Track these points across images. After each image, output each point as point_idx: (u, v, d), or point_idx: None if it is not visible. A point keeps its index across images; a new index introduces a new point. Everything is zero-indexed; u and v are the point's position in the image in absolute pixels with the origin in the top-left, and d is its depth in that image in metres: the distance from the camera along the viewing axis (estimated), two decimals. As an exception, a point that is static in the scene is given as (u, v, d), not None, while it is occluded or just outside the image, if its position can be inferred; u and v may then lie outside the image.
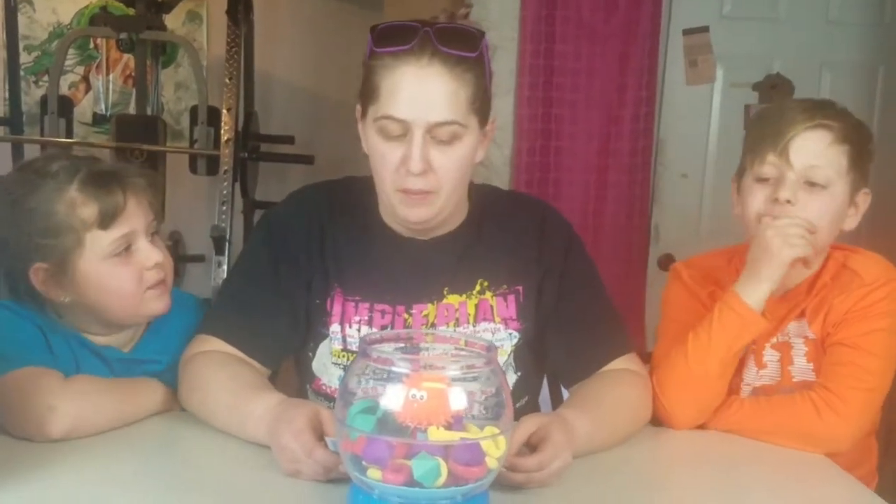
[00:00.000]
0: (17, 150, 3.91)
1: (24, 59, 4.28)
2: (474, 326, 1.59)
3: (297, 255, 1.61)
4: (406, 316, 1.58)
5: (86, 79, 4.42)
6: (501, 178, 2.91)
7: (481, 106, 1.49)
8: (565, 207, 2.76)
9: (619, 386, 1.57)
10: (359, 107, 1.53)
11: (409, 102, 1.43)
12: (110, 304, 1.54)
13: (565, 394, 1.72)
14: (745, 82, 3.20)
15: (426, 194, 1.49)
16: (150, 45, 3.82)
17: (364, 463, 1.10)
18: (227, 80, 3.69)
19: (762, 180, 1.64)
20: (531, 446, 1.31)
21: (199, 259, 3.85)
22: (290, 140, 4.13)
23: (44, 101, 3.69)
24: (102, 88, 4.43)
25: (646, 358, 1.73)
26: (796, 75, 3.19)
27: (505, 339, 1.60)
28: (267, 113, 4.34)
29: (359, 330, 1.57)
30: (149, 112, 3.86)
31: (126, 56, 4.23)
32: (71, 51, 4.15)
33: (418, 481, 1.08)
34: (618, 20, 2.94)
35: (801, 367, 1.67)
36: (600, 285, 1.69)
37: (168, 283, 1.61)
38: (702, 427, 1.65)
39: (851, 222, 1.68)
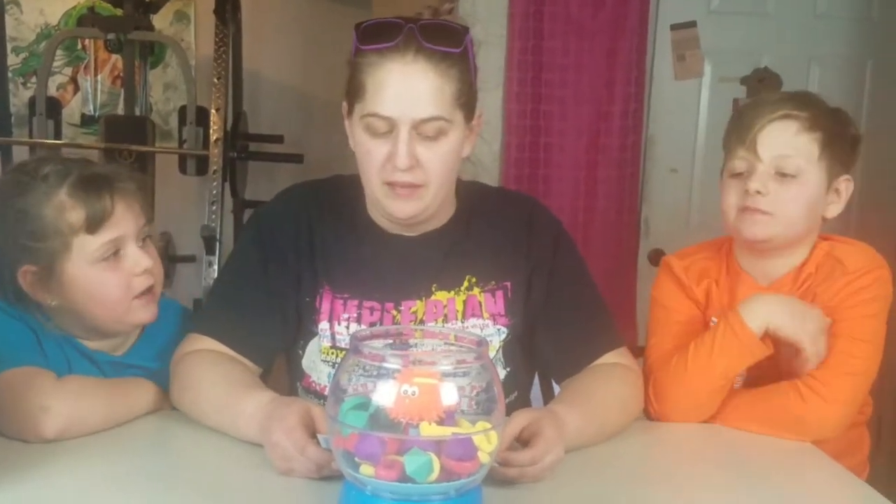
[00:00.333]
0: (6, 151, 3.90)
1: (12, 60, 4.27)
2: (463, 322, 1.59)
3: (287, 254, 1.61)
4: (395, 313, 1.59)
5: (74, 80, 4.41)
6: (490, 175, 2.91)
7: (467, 101, 1.50)
8: (555, 203, 2.78)
9: (609, 380, 1.57)
10: (345, 104, 1.54)
11: (394, 99, 1.44)
12: (96, 310, 1.54)
13: (557, 389, 1.72)
14: (734, 77, 3.20)
15: (414, 188, 1.49)
16: (138, 45, 3.81)
17: (356, 459, 1.10)
18: (216, 80, 3.68)
19: (736, 175, 1.66)
20: (523, 441, 1.32)
21: (190, 259, 3.84)
22: (279, 139, 4.13)
23: (32, 103, 3.68)
24: (91, 89, 4.43)
25: (637, 352, 1.74)
26: (784, 70, 3.19)
27: (493, 334, 1.60)
28: (256, 112, 4.34)
29: (347, 327, 1.58)
30: (137, 112, 3.85)
31: (114, 57, 4.22)
32: (59, 52, 4.14)
33: (411, 477, 1.08)
34: (605, 16, 2.94)
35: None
36: (589, 280, 1.69)
37: (156, 291, 1.60)
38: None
39: (834, 210, 1.68)
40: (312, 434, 1.28)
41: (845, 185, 1.68)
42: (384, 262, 1.61)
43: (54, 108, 3.72)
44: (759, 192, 1.62)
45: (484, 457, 1.12)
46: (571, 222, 2.86)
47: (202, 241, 3.43)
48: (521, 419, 1.33)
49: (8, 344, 1.48)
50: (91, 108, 4.41)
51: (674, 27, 3.17)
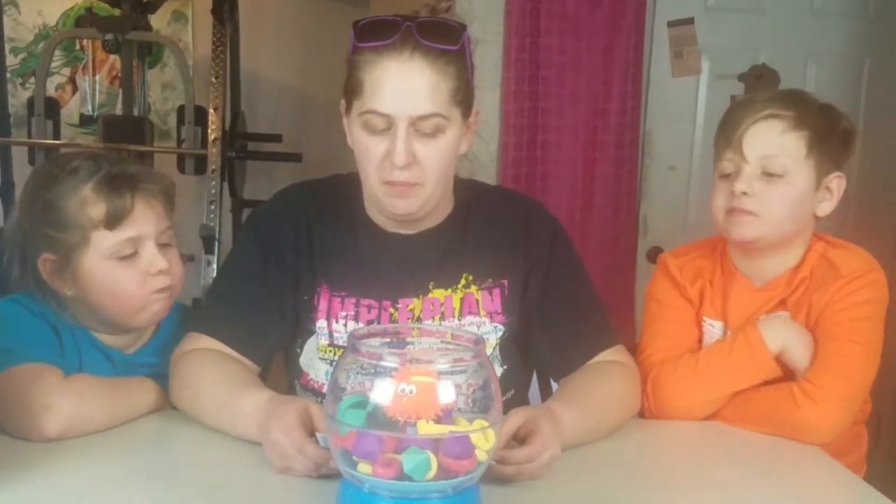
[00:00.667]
0: (4, 151, 3.90)
1: (11, 61, 4.27)
2: (460, 320, 1.60)
3: (285, 253, 1.61)
4: (392, 310, 1.59)
5: (72, 80, 4.41)
6: (488, 173, 2.91)
7: (464, 98, 1.50)
8: (553, 201, 2.78)
9: (606, 378, 1.58)
10: (343, 102, 1.54)
11: (392, 96, 1.44)
12: (109, 304, 1.56)
13: (555, 387, 1.72)
14: (731, 74, 3.20)
15: (411, 186, 1.50)
16: (135, 45, 3.81)
17: (354, 458, 1.11)
18: (214, 80, 3.69)
19: (724, 176, 1.67)
20: (520, 439, 1.32)
21: (189, 258, 3.84)
22: (277, 138, 4.13)
23: (30, 103, 3.69)
24: (89, 89, 4.43)
25: (634, 350, 1.74)
26: (782, 67, 3.19)
27: (490, 332, 1.60)
28: (254, 111, 4.34)
29: (345, 325, 1.58)
30: (136, 112, 3.85)
31: (112, 57, 4.21)
32: (57, 52, 4.14)
33: (409, 475, 1.08)
34: (602, 13, 2.94)
35: None
36: (586, 279, 1.70)
37: (173, 293, 1.61)
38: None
39: (825, 207, 1.68)
40: (311, 432, 1.29)
41: (837, 183, 1.66)
42: (382, 260, 1.62)
43: (53, 108, 3.72)
44: (744, 193, 1.62)
45: (481, 455, 1.13)
46: (569, 220, 2.86)
47: (201, 241, 3.43)
48: (517, 417, 1.34)
49: (23, 339, 1.50)
50: (89, 108, 4.41)
51: (671, 24, 3.17)
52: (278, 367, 1.72)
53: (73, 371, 1.51)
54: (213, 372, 1.50)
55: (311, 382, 1.63)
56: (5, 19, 4.16)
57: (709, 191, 1.72)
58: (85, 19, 3.92)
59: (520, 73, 2.91)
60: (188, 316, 1.72)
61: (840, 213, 1.71)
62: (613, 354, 1.63)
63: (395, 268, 1.60)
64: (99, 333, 1.60)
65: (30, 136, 3.68)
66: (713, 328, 1.74)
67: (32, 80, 4.12)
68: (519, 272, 1.63)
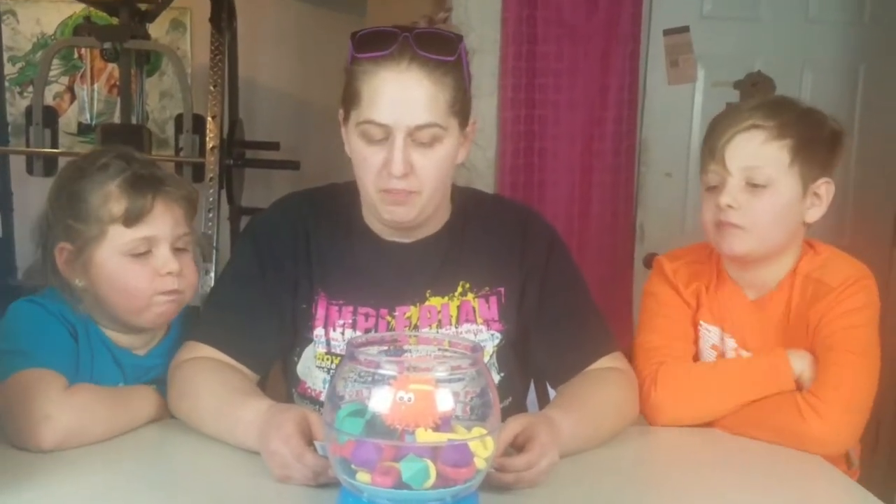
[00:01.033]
0: (3, 160, 3.91)
1: (9, 70, 4.27)
2: (457, 328, 1.60)
3: (283, 261, 1.62)
4: (389, 318, 1.60)
5: (70, 89, 4.42)
6: (485, 181, 2.91)
7: (461, 108, 1.51)
8: (550, 209, 2.79)
9: (604, 385, 1.58)
10: (341, 111, 1.55)
11: (389, 107, 1.45)
12: (115, 299, 1.57)
13: (553, 394, 1.73)
14: (727, 81, 3.21)
15: (408, 194, 1.50)
16: (134, 54, 3.82)
17: (353, 466, 1.11)
18: (212, 88, 3.69)
19: (710, 188, 1.66)
20: (518, 447, 1.32)
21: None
22: (275, 146, 4.14)
23: (29, 112, 3.69)
24: (87, 98, 4.43)
25: (632, 356, 1.74)
26: (777, 74, 3.20)
27: (487, 340, 1.61)
28: (252, 120, 4.35)
29: (343, 333, 1.58)
30: (134, 121, 3.86)
31: (110, 65, 4.23)
32: (55, 61, 4.14)
33: (407, 483, 1.08)
34: (598, 21, 2.94)
35: None
36: (583, 286, 1.70)
37: (182, 298, 1.62)
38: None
39: (814, 214, 1.66)
40: (309, 441, 1.29)
41: (825, 188, 1.65)
42: (379, 268, 1.62)
43: (51, 117, 3.73)
44: (730, 206, 1.61)
45: (480, 463, 1.13)
46: (566, 227, 2.87)
47: (199, 249, 3.43)
48: (515, 425, 1.34)
49: (34, 342, 1.51)
50: (87, 116, 4.42)
51: (667, 32, 3.18)
52: (276, 376, 1.73)
53: (84, 372, 1.54)
54: (211, 381, 1.51)
55: (309, 391, 1.63)
56: (4, 28, 4.16)
57: (705, 197, 1.72)
58: (83, 28, 3.93)
59: (516, 80, 2.92)
60: (189, 318, 1.73)
61: (837, 218, 1.72)
62: (611, 361, 1.63)
63: (393, 276, 1.61)
64: (111, 332, 1.61)
65: (28, 145, 3.68)
66: (709, 333, 1.75)
67: (31, 88, 4.12)
68: (516, 280, 1.64)
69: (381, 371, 1.11)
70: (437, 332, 1.58)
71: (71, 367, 1.52)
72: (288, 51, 4.47)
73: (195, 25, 4.38)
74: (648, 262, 3.15)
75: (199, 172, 3.67)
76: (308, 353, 1.62)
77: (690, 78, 3.20)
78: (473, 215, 1.68)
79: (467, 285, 1.62)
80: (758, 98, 1.71)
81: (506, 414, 1.35)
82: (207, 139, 3.63)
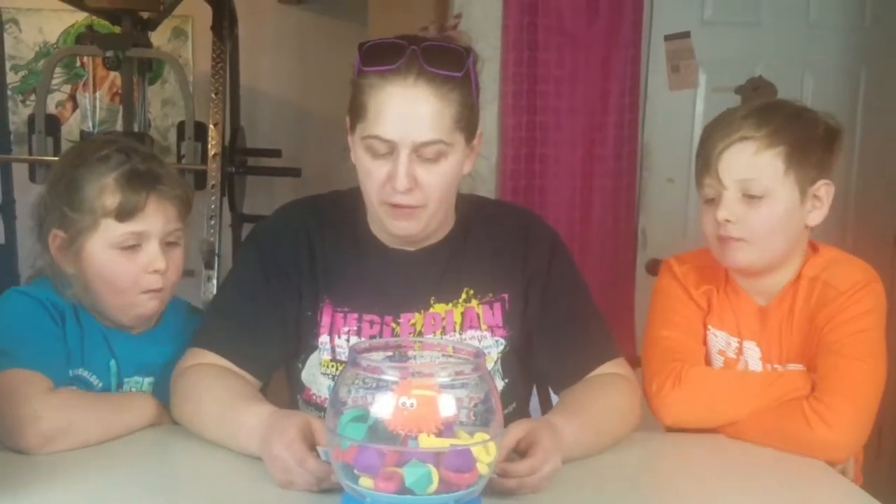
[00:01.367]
0: (5, 168, 3.92)
1: (11, 78, 4.29)
2: (461, 334, 1.60)
3: (287, 268, 1.62)
4: (394, 325, 1.60)
5: (73, 97, 4.43)
6: (487, 187, 2.92)
7: (467, 124, 1.51)
8: (551, 214, 2.78)
9: (607, 390, 1.58)
10: (348, 119, 1.55)
11: (395, 122, 1.45)
12: (103, 292, 1.59)
13: (555, 400, 1.73)
14: (728, 86, 3.20)
15: (413, 209, 1.51)
16: (136, 62, 3.82)
17: (356, 471, 1.11)
18: (214, 96, 3.70)
19: (708, 201, 1.64)
20: (520, 452, 1.32)
21: (188, 274, 3.84)
22: (276, 153, 4.14)
23: (31, 120, 3.69)
24: (89, 106, 4.44)
25: (634, 362, 1.74)
26: (779, 79, 3.19)
27: (491, 346, 1.61)
28: (253, 127, 4.35)
29: (347, 340, 1.58)
30: (136, 128, 3.86)
31: (113, 74, 4.24)
32: (58, 69, 4.15)
33: (410, 489, 1.09)
34: (599, 27, 2.95)
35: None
36: (586, 291, 1.70)
37: (163, 296, 1.63)
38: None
39: (816, 217, 1.64)
40: (312, 446, 1.29)
41: (825, 190, 1.63)
42: (384, 275, 1.62)
43: (53, 125, 3.73)
44: (728, 221, 1.59)
45: (483, 468, 1.13)
46: (568, 233, 2.87)
47: (201, 256, 3.44)
48: (517, 430, 1.34)
49: (21, 339, 1.52)
50: (90, 124, 4.43)
51: (668, 38, 3.18)
52: (277, 382, 1.73)
53: (75, 355, 1.56)
54: (214, 387, 1.51)
55: (314, 397, 1.63)
56: (6, 37, 4.18)
57: (707, 203, 1.71)
58: (85, 37, 3.94)
59: (518, 87, 2.92)
60: (194, 316, 1.74)
61: (839, 222, 1.71)
62: (614, 367, 1.63)
63: (397, 283, 1.61)
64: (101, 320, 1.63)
65: (30, 153, 3.68)
66: (716, 338, 1.74)
67: (33, 97, 4.13)
68: (519, 285, 1.64)
69: (383, 377, 1.12)
70: (442, 339, 1.58)
71: (59, 358, 1.53)
72: (289, 58, 4.48)
73: (197, 33, 4.39)
74: (650, 267, 3.15)
75: (200, 180, 3.67)
76: (313, 360, 1.62)
77: (692, 83, 3.20)
78: (476, 222, 1.68)
79: (471, 292, 1.63)
80: (748, 105, 1.67)
81: (509, 420, 1.36)
82: (209, 147, 3.64)
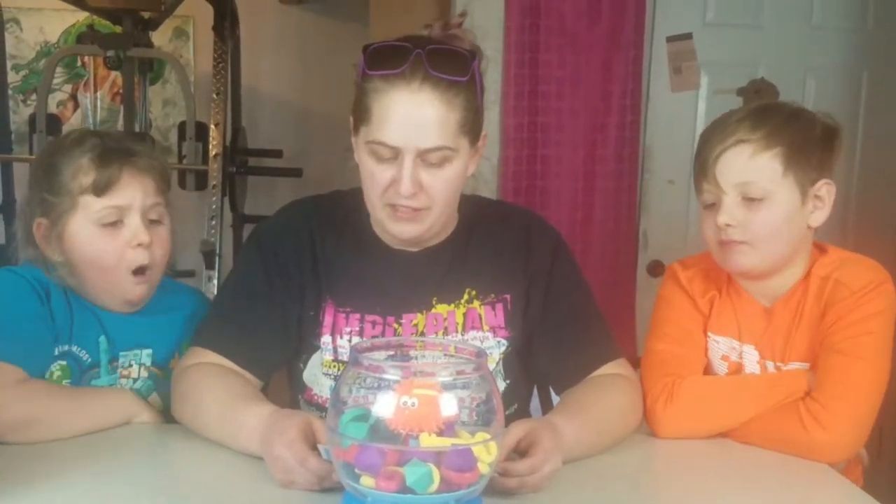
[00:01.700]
0: (6, 168, 3.91)
1: (12, 78, 4.28)
2: (463, 335, 1.60)
3: (289, 268, 1.62)
4: (396, 326, 1.60)
5: (74, 97, 4.43)
6: (489, 188, 2.92)
7: (472, 127, 1.51)
8: (553, 215, 2.79)
9: (608, 391, 1.58)
10: (352, 120, 1.55)
11: (399, 128, 1.45)
12: (90, 273, 1.60)
13: (556, 401, 1.72)
14: (730, 88, 3.20)
15: (417, 211, 1.50)
16: (137, 62, 3.82)
17: (357, 471, 1.11)
18: (215, 96, 3.70)
19: (708, 206, 1.64)
20: (521, 452, 1.32)
21: (189, 274, 3.85)
22: (278, 154, 4.14)
23: (32, 120, 3.69)
24: (90, 106, 4.44)
25: (635, 363, 1.73)
26: (781, 81, 3.19)
27: (493, 347, 1.61)
28: (255, 127, 4.35)
29: (349, 340, 1.58)
30: (137, 128, 3.86)
31: (114, 73, 4.23)
32: (59, 69, 4.15)
33: (411, 488, 1.09)
34: (601, 29, 2.95)
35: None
36: (588, 291, 1.70)
37: (153, 273, 1.64)
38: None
39: (819, 217, 1.63)
40: (313, 446, 1.29)
41: (826, 190, 1.61)
42: (387, 276, 1.62)
43: (54, 124, 3.74)
44: (728, 225, 1.58)
45: (484, 467, 1.13)
46: (570, 234, 2.86)
47: (202, 256, 3.44)
48: (518, 429, 1.34)
49: (1, 328, 1.52)
50: (91, 124, 4.42)
51: (670, 39, 3.18)
52: (278, 383, 1.73)
53: (63, 333, 1.57)
54: (215, 386, 1.51)
55: (315, 398, 1.63)
56: (7, 36, 4.17)
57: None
58: (86, 36, 3.93)
59: (519, 88, 2.92)
60: (182, 286, 1.78)
61: (841, 223, 1.71)
62: (615, 367, 1.63)
63: (400, 284, 1.61)
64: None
65: (31, 153, 3.69)
66: (717, 344, 1.73)
67: (34, 96, 4.13)
68: (521, 286, 1.64)
69: (385, 376, 1.12)
70: (444, 339, 1.58)
71: (39, 343, 1.54)
72: (290, 58, 4.48)
73: (198, 33, 4.39)
74: (652, 269, 3.16)
75: (202, 180, 3.67)
76: (315, 360, 1.62)
77: (693, 85, 3.20)
78: (478, 223, 1.68)
79: (473, 292, 1.62)
80: (743, 108, 1.66)
81: (511, 421, 1.35)
82: (210, 147, 3.64)
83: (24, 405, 1.44)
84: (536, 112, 2.94)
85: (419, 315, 1.60)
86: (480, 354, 1.19)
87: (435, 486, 1.09)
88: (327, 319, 1.60)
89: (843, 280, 1.61)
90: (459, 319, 1.61)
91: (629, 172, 3.06)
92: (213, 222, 3.54)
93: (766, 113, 1.61)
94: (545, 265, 1.65)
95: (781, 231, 1.60)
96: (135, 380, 1.65)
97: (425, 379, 1.11)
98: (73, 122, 4.39)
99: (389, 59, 1.46)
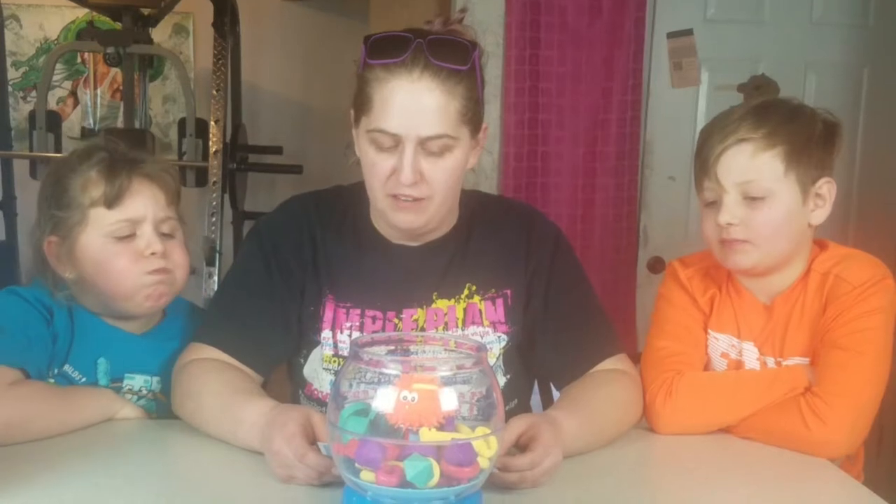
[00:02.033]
0: (6, 165, 3.91)
1: (12, 74, 4.28)
2: (463, 330, 1.60)
3: (290, 263, 1.62)
4: (396, 321, 1.60)
5: (74, 93, 4.42)
6: (490, 183, 2.92)
7: (472, 117, 1.51)
8: (553, 211, 2.79)
9: (608, 386, 1.58)
10: (352, 112, 1.55)
11: (400, 116, 1.45)
12: (103, 285, 1.58)
13: (557, 396, 1.72)
14: (731, 84, 3.20)
15: (418, 201, 1.50)
16: (137, 58, 3.83)
17: (357, 465, 1.11)
18: (215, 92, 3.70)
19: (709, 205, 1.63)
20: (521, 447, 1.32)
21: (190, 271, 3.85)
22: (278, 150, 4.14)
23: (32, 116, 3.70)
24: (90, 103, 4.44)
25: (636, 359, 1.73)
26: (781, 77, 3.19)
27: (494, 342, 1.61)
28: (255, 124, 4.35)
29: (350, 335, 1.58)
30: (137, 125, 3.87)
31: (114, 70, 4.23)
32: (58, 66, 4.16)
33: (411, 482, 1.08)
34: (602, 25, 2.95)
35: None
36: (588, 287, 1.70)
37: (172, 279, 1.63)
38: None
39: (820, 215, 1.62)
40: (313, 441, 1.29)
41: (827, 188, 1.61)
42: (387, 271, 1.62)
43: (54, 121, 3.74)
44: (730, 224, 1.58)
45: (484, 462, 1.13)
46: (570, 230, 2.87)
47: (202, 253, 3.44)
48: (518, 424, 1.34)
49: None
50: (91, 121, 4.42)
51: (670, 35, 3.18)
52: (279, 378, 1.73)
53: (60, 354, 1.56)
54: (215, 382, 1.51)
55: (316, 393, 1.63)
56: (7, 33, 4.17)
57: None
58: (86, 33, 3.94)
59: (520, 84, 2.92)
60: (197, 316, 1.74)
61: (841, 221, 1.70)
62: (616, 363, 1.63)
63: (400, 279, 1.61)
64: (105, 318, 1.62)
65: (31, 150, 3.69)
66: (717, 341, 1.73)
67: (34, 93, 4.14)
68: (521, 281, 1.64)
69: (385, 370, 1.11)
70: (444, 333, 1.58)
71: (33, 355, 1.52)
72: (290, 55, 4.48)
73: (198, 30, 4.39)
74: (652, 265, 3.16)
75: (202, 176, 3.67)
76: (315, 355, 1.62)
77: (694, 81, 3.20)
78: (479, 218, 1.68)
79: (473, 287, 1.62)
80: (744, 106, 1.65)
81: (511, 416, 1.35)
82: (210, 143, 3.64)
83: (17, 406, 1.43)
84: (537, 108, 2.94)
85: (419, 310, 1.60)
86: (481, 349, 1.19)
87: (435, 480, 1.09)
88: (327, 314, 1.60)
89: (843, 276, 1.61)
90: (460, 314, 1.61)
91: (629, 168, 3.06)
92: (214, 219, 3.55)
93: (767, 111, 1.61)
94: (546, 260, 1.65)
95: (782, 230, 1.60)
96: (137, 398, 1.63)
97: (425, 374, 1.11)
98: (72, 118, 4.39)
99: (390, 48, 1.46)
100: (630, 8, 2.97)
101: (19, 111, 4.27)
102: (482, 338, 1.60)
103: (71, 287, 1.59)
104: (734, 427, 1.62)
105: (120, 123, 4.17)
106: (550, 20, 2.92)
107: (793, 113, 1.62)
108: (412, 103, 1.45)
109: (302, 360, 1.64)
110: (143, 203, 1.58)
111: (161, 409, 1.64)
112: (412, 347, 1.29)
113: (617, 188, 3.04)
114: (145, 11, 3.76)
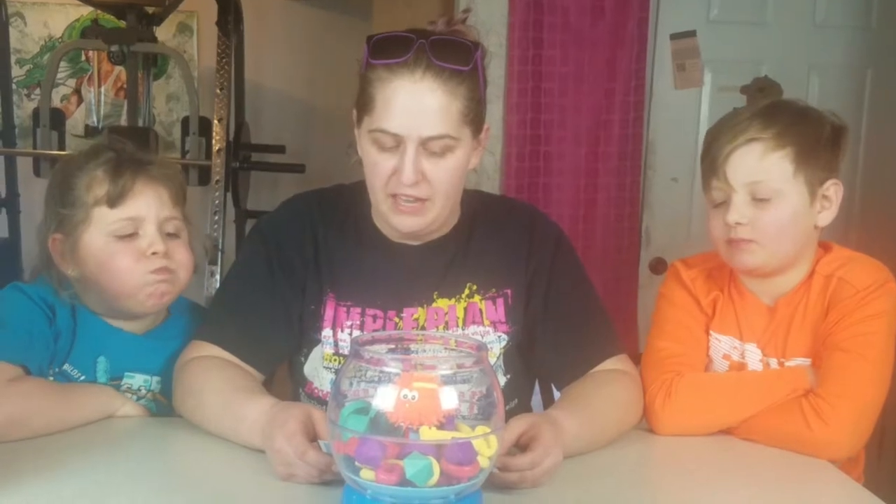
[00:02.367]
0: (10, 162, 3.92)
1: (16, 72, 4.29)
2: (463, 329, 1.61)
3: (292, 262, 1.62)
4: (397, 320, 1.60)
5: (77, 91, 4.43)
6: (492, 183, 2.92)
7: (475, 117, 1.51)
8: (555, 212, 2.79)
9: (608, 386, 1.58)
10: (355, 112, 1.55)
11: (402, 116, 1.45)
12: (107, 284, 1.58)
13: (557, 396, 1.72)
14: (734, 86, 3.20)
15: (420, 202, 1.51)
16: (141, 57, 3.82)
17: (357, 463, 1.11)
18: (218, 91, 3.70)
19: (717, 205, 1.63)
20: (521, 446, 1.32)
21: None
22: (281, 149, 4.14)
23: (36, 114, 3.69)
24: (94, 101, 4.44)
25: (637, 359, 1.73)
26: (784, 79, 3.19)
27: (494, 341, 1.61)
28: (258, 123, 4.35)
29: (350, 334, 1.59)
30: (140, 123, 3.86)
31: (117, 68, 4.23)
32: (62, 63, 4.15)
33: (411, 481, 1.08)
34: (605, 25, 2.95)
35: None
36: (590, 287, 1.70)
37: (175, 279, 1.62)
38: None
39: (826, 217, 1.63)
40: (314, 438, 1.29)
41: (834, 190, 1.61)
42: (388, 270, 1.62)
43: (58, 119, 3.73)
44: (738, 224, 1.58)
45: (484, 461, 1.13)
46: (572, 231, 2.87)
47: (204, 251, 3.44)
48: (519, 424, 1.34)
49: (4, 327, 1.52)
50: (94, 119, 4.42)
51: (673, 37, 3.18)
52: (281, 376, 1.73)
53: (61, 354, 1.56)
54: (216, 379, 1.51)
55: (316, 391, 1.63)
56: (11, 30, 4.18)
57: (712, 202, 1.70)
58: (91, 31, 3.94)
59: (522, 84, 2.93)
60: (199, 314, 1.74)
61: (844, 223, 1.70)
62: (617, 363, 1.63)
63: (400, 278, 1.61)
64: (105, 318, 1.62)
65: (35, 147, 3.68)
66: (719, 342, 1.73)
67: (38, 91, 4.13)
68: (522, 280, 1.64)
69: (385, 369, 1.12)
70: (445, 332, 1.58)
71: (34, 352, 1.52)
72: (294, 54, 4.48)
73: (202, 29, 4.39)
74: (654, 266, 3.15)
75: (205, 175, 3.67)
76: (315, 353, 1.62)
77: (697, 82, 3.20)
78: (480, 217, 1.68)
79: (474, 287, 1.63)
80: (752, 106, 1.65)
81: (512, 416, 1.35)
82: (213, 142, 3.63)
83: (17, 403, 1.44)
84: (539, 108, 2.94)
85: (420, 309, 1.60)
86: (481, 348, 1.19)
87: (435, 479, 1.09)
88: (328, 313, 1.60)
89: (847, 278, 1.61)
90: (460, 314, 1.61)
91: (632, 169, 3.06)
92: (216, 217, 3.54)
93: (775, 111, 1.61)
94: (547, 261, 1.65)
95: (789, 230, 1.60)
96: (137, 399, 1.63)
97: (426, 372, 1.11)
98: (76, 116, 4.39)
99: (393, 48, 1.46)
100: (633, 8, 2.97)
101: (23, 109, 4.27)
102: (482, 337, 1.60)
103: (74, 285, 1.60)
104: (735, 428, 1.62)
105: (123, 121, 4.17)
106: (553, 20, 2.92)
107: (801, 114, 1.62)
108: (414, 103, 1.46)
109: (302, 359, 1.64)
110: (146, 203, 1.58)
111: (160, 410, 1.64)
112: (413, 346, 1.29)
113: (619, 189, 3.04)
114: (149, 10, 3.75)
